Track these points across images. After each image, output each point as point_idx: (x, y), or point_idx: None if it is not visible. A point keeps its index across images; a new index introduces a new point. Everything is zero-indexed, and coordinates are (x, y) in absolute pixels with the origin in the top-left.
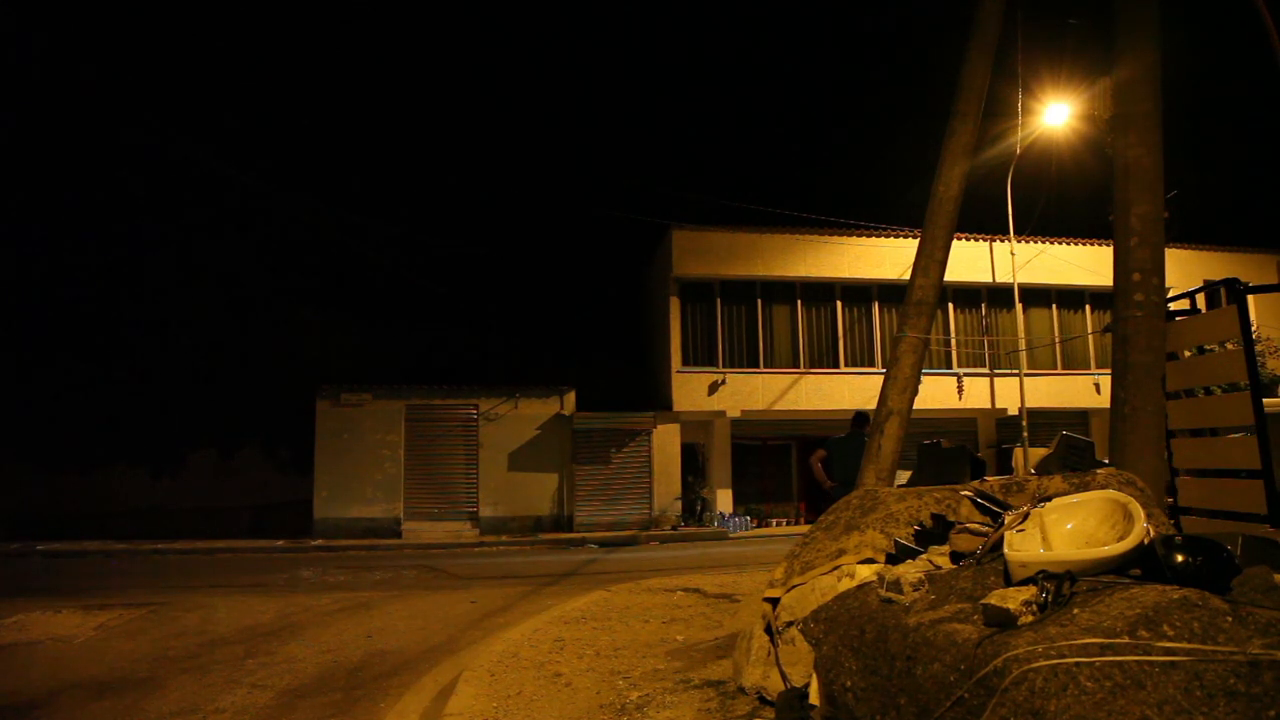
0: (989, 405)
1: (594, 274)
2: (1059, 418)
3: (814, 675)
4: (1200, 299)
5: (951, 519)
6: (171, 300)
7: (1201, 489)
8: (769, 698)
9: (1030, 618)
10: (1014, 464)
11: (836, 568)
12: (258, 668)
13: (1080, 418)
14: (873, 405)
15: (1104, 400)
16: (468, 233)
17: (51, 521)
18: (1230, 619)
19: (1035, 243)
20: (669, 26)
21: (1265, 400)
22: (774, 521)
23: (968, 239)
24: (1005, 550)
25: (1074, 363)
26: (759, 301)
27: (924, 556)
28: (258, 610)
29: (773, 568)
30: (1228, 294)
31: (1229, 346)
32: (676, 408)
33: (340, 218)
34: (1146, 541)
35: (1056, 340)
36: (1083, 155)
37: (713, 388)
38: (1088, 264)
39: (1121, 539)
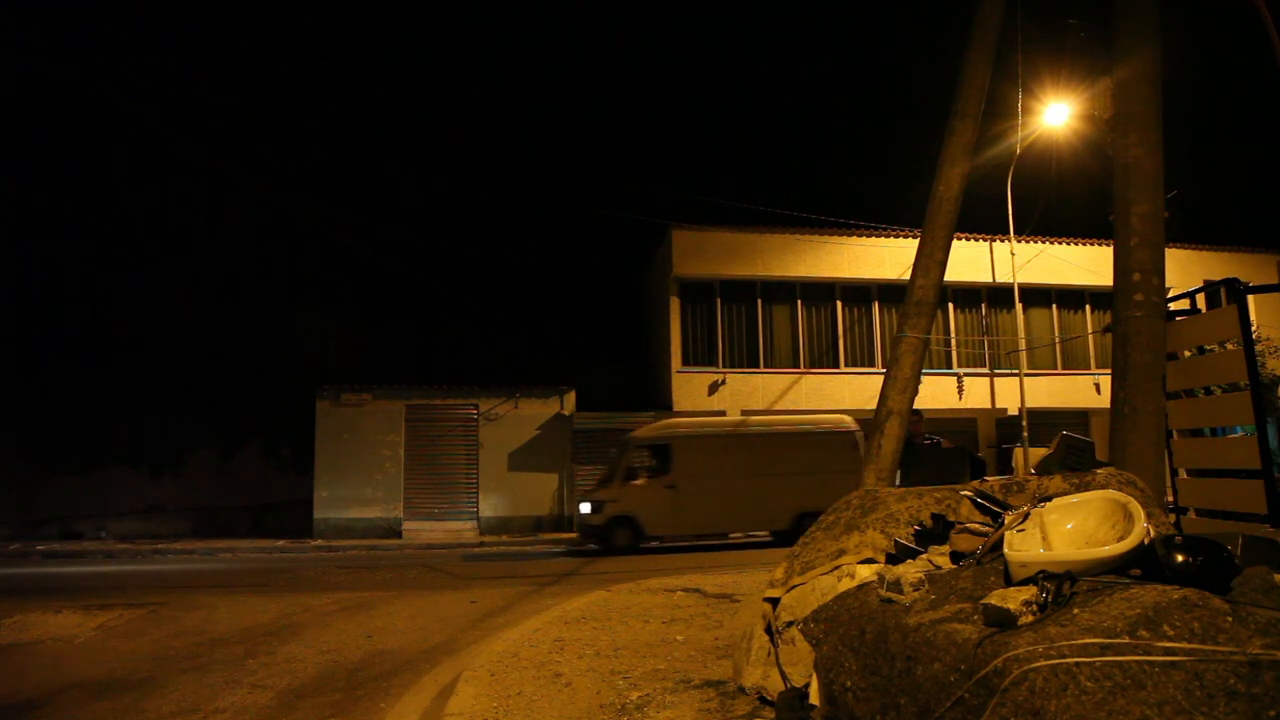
0: (989, 405)
1: (594, 274)
2: (1059, 418)
3: (814, 675)
4: (1200, 299)
5: (951, 519)
6: (171, 300)
7: (1201, 489)
8: (769, 698)
9: (1030, 618)
10: (1014, 464)
11: (837, 568)
12: (258, 668)
13: (1080, 418)
14: (873, 405)
15: (1104, 400)
16: (468, 233)
17: (51, 521)
18: (1230, 619)
19: (1035, 243)
20: (669, 26)
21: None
22: None
23: (968, 239)
24: (1005, 550)
25: (1074, 363)
26: (759, 301)
27: (924, 556)
28: (258, 610)
29: (773, 568)
30: (1228, 294)
31: (1229, 346)
32: (677, 408)
33: (341, 217)
34: (1146, 541)
35: (1056, 340)
36: (1083, 155)
37: (713, 388)
38: (1088, 264)
39: (1121, 539)
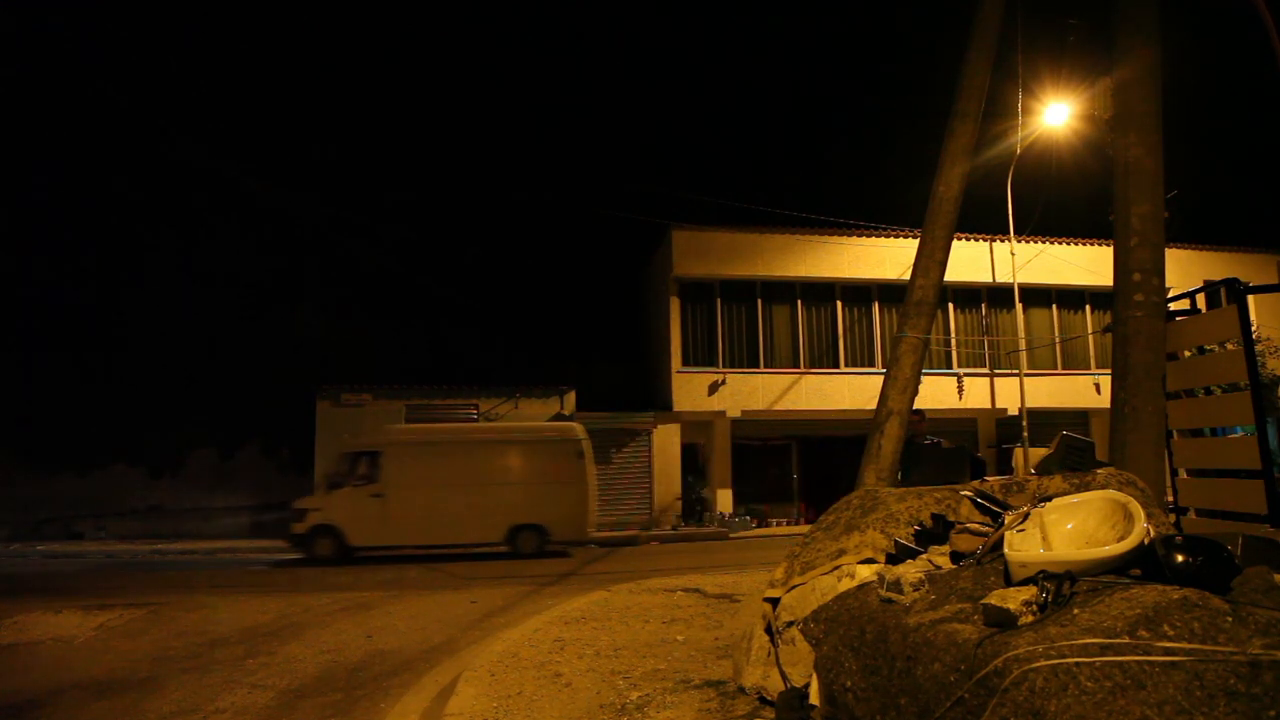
0: (989, 405)
1: (594, 274)
2: (1059, 418)
3: (814, 675)
4: (1200, 299)
5: (951, 519)
6: (171, 300)
7: (1201, 489)
8: (769, 698)
9: (1030, 618)
10: (1014, 464)
11: (837, 568)
12: (258, 668)
13: (1080, 418)
14: (873, 405)
15: (1104, 400)
16: (468, 233)
17: (51, 521)
18: (1230, 619)
19: (1035, 243)
20: (669, 27)
21: None
22: (774, 521)
23: (968, 239)
24: (1005, 550)
25: (1074, 363)
26: (759, 301)
27: (924, 556)
28: (258, 610)
29: (773, 568)
30: (1228, 294)
31: (1229, 346)
32: (677, 408)
33: (342, 217)
34: (1146, 541)
35: (1056, 340)
36: (1083, 155)
37: (713, 388)
38: (1088, 264)
39: (1121, 539)
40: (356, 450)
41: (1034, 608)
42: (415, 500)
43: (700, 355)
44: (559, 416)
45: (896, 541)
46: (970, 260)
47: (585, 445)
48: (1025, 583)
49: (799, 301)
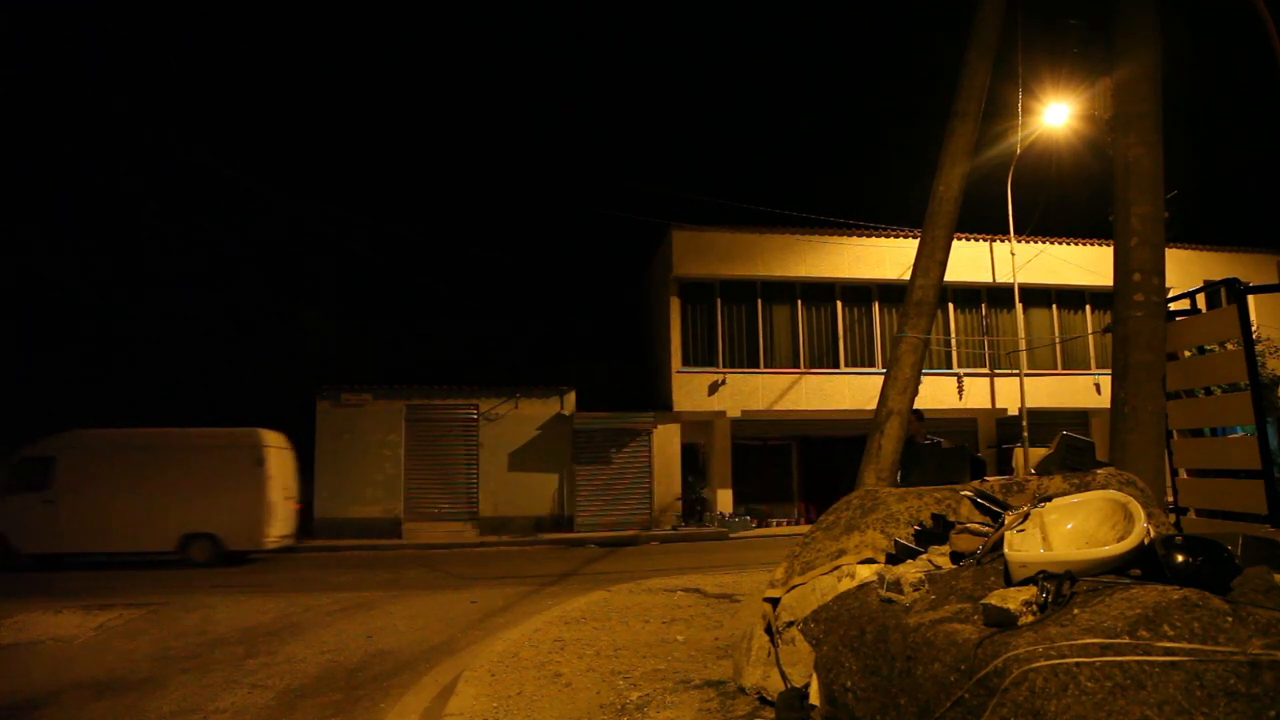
0: (989, 405)
1: (594, 274)
2: (1059, 418)
3: (814, 675)
4: (1200, 299)
5: (952, 519)
6: (171, 300)
7: (1201, 489)
8: (769, 698)
9: (1030, 618)
10: (1014, 464)
11: (837, 568)
12: (258, 668)
13: (1080, 418)
14: (873, 405)
15: (1104, 400)
16: (468, 233)
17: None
18: (1230, 619)
19: (1035, 243)
20: (669, 27)
21: None
22: (774, 521)
23: (968, 239)
24: (1005, 550)
25: (1074, 363)
26: (759, 301)
27: (924, 556)
28: (258, 610)
29: (773, 568)
30: (1228, 294)
31: (1229, 346)
32: (677, 408)
33: (341, 218)
34: (1147, 541)
35: (1056, 340)
36: (1083, 155)
37: (713, 388)
38: (1088, 264)
39: (1121, 539)
40: (30, 456)
41: (1034, 608)
42: (86, 507)
43: (700, 355)
44: (559, 416)
45: (896, 541)
46: (970, 260)
47: (270, 452)
48: (1025, 583)
49: (799, 301)
